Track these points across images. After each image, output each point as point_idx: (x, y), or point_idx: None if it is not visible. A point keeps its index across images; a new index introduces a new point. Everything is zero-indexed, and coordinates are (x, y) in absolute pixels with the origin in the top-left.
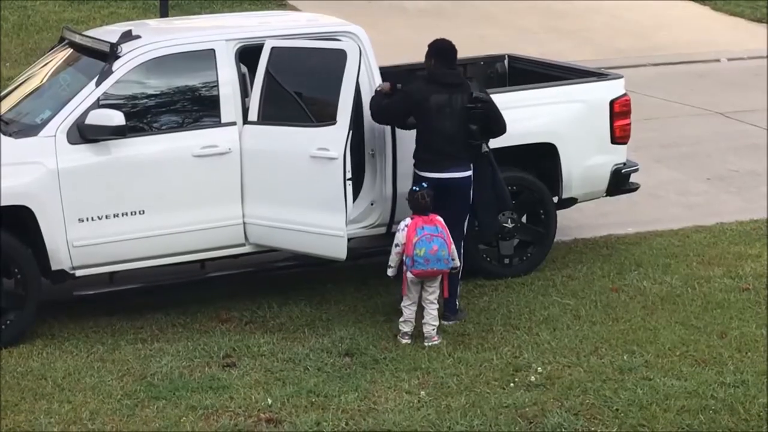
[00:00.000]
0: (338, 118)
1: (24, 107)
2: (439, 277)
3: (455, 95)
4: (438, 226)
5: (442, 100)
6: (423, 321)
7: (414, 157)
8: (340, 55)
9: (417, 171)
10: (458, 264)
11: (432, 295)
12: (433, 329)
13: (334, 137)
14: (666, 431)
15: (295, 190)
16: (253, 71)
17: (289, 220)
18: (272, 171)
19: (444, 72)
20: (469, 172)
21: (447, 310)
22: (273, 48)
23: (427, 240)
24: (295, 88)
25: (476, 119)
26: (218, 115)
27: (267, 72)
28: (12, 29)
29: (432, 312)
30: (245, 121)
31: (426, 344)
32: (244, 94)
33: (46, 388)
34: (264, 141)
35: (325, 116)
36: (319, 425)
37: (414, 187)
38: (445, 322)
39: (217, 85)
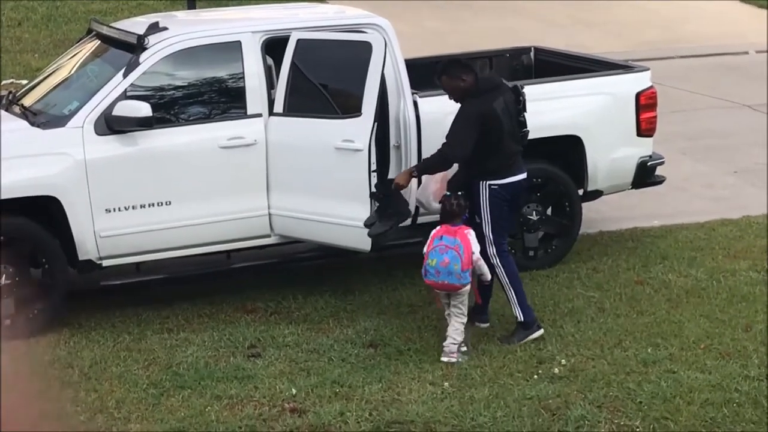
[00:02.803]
0: (363, 110)
1: (52, 98)
2: (464, 289)
3: (505, 95)
4: (458, 239)
5: (501, 104)
6: (446, 333)
7: (486, 169)
8: (366, 47)
9: (495, 181)
10: (487, 277)
11: (456, 307)
12: (455, 344)
13: (359, 129)
14: (690, 424)
15: (321, 181)
16: (279, 63)
17: (314, 211)
18: (297, 162)
19: (485, 78)
20: None
21: (476, 312)
22: (299, 40)
23: (440, 251)
24: (321, 80)
25: (523, 109)
26: (244, 107)
27: (293, 64)
28: (41, 20)
29: (455, 325)
30: (271, 113)
31: (443, 359)
32: (270, 85)
33: (73, 376)
34: (289, 133)
35: (350, 108)
36: (342, 415)
37: (447, 192)
38: (480, 325)
39: (243, 77)
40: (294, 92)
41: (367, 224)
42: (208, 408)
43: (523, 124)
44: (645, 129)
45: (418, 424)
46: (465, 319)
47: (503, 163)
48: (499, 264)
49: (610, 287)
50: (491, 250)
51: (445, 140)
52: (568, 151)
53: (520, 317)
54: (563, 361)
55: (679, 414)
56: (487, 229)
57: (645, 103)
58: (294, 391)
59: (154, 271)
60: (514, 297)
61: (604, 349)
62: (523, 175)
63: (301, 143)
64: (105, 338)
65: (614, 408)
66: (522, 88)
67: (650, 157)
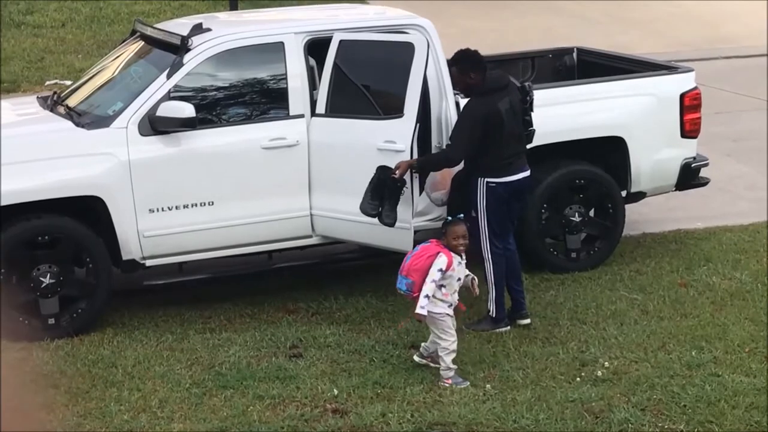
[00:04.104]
0: (405, 111)
1: (96, 99)
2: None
3: (511, 94)
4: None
5: (506, 104)
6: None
7: (484, 167)
8: (408, 48)
9: (493, 179)
10: (420, 314)
11: (435, 334)
12: (446, 370)
13: (402, 130)
14: (734, 428)
15: (362, 182)
16: (321, 64)
17: (357, 212)
18: (339, 163)
19: (493, 77)
20: None
21: (515, 309)
22: (341, 41)
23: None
24: (363, 81)
25: (529, 109)
26: (286, 108)
27: (335, 65)
28: (84, 21)
29: (440, 354)
30: (313, 114)
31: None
32: (312, 86)
33: (117, 375)
34: (331, 133)
35: (392, 109)
36: (384, 416)
37: (448, 218)
38: (521, 321)
39: (286, 78)
40: (336, 93)
41: (371, 213)
42: (250, 408)
43: (529, 123)
44: (689, 130)
45: (460, 426)
46: (449, 343)
47: (503, 162)
48: (490, 260)
49: (654, 290)
50: (485, 245)
51: (448, 140)
52: (611, 152)
53: (493, 313)
54: (606, 363)
55: (724, 418)
56: (483, 225)
57: (689, 104)
58: (336, 391)
59: (197, 271)
60: (494, 294)
61: (648, 352)
62: (524, 174)
63: (343, 144)
64: (148, 338)
65: (658, 411)
66: (530, 88)
67: (694, 158)
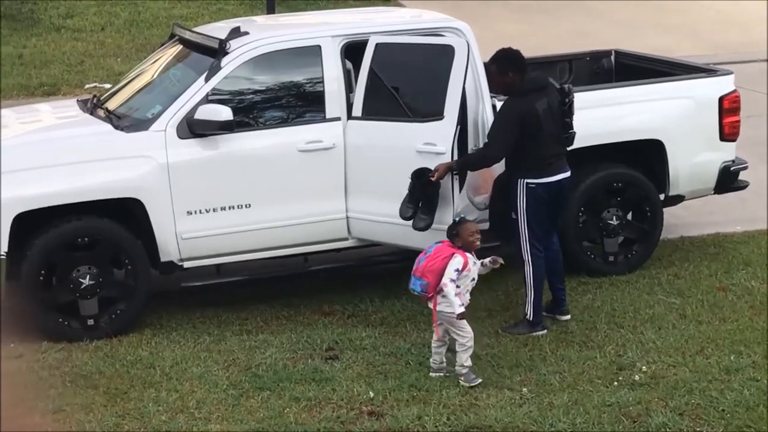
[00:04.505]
0: (446, 113)
1: (135, 102)
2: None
3: (550, 96)
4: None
5: (544, 104)
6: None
7: (524, 168)
8: (448, 51)
9: (532, 179)
10: (455, 311)
11: (456, 335)
12: (462, 368)
13: (442, 132)
14: None
15: (399, 184)
16: (357, 67)
17: (393, 214)
18: (376, 166)
19: (531, 78)
20: None
21: (556, 305)
22: (378, 44)
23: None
24: (400, 84)
25: (569, 112)
26: (323, 111)
27: (371, 68)
28: (123, 25)
29: (460, 354)
30: (350, 117)
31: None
32: (349, 89)
33: (155, 376)
34: (368, 136)
35: (431, 112)
36: (420, 419)
37: (455, 219)
38: (561, 317)
39: (323, 81)
40: (373, 96)
41: (406, 216)
42: (286, 410)
43: (569, 126)
44: (728, 133)
45: (497, 430)
46: (467, 339)
47: (542, 162)
48: (530, 262)
49: (692, 293)
50: (525, 246)
51: (485, 139)
52: (649, 155)
53: (530, 316)
54: (644, 368)
55: (762, 422)
56: (523, 227)
57: (728, 107)
58: (372, 394)
59: (234, 273)
60: (532, 297)
61: (686, 356)
62: (563, 176)
63: (381, 146)
64: (186, 339)
65: (696, 416)
66: (570, 90)
67: (733, 161)
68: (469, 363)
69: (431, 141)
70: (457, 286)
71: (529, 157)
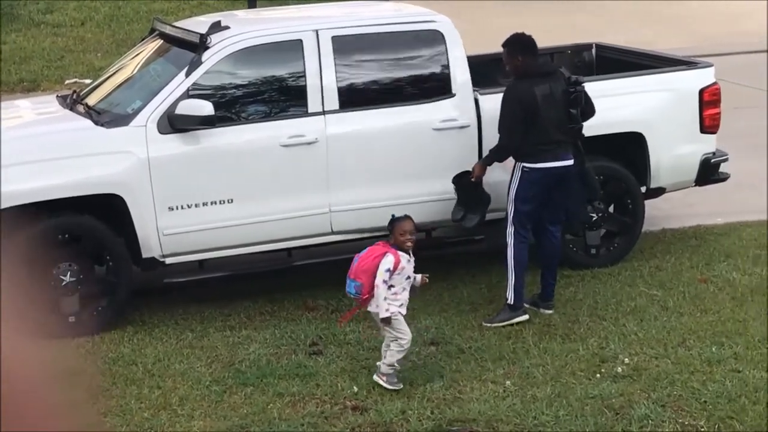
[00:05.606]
0: (455, 90)
1: (115, 97)
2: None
3: (554, 83)
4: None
5: (546, 89)
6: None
7: (520, 151)
8: (436, 35)
9: (529, 164)
10: (381, 314)
11: (388, 332)
12: (388, 366)
13: (459, 107)
14: (755, 424)
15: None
16: (340, 61)
17: (377, 198)
18: (360, 159)
19: (538, 63)
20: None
21: (542, 298)
22: (360, 35)
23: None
24: (383, 76)
25: (575, 103)
26: (305, 105)
27: (353, 60)
28: (103, 20)
29: (392, 350)
30: (332, 111)
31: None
32: (332, 83)
33: (137, 373)
34: (350, 129)
35: (437, 92)
36: (404, 413)
37: (393, 215)
38: (545, 311)
39: (305, 75)
40: (356, 89)
41: (457, 219)
42: (270, 405)
43: (575, 117)
44: (708, 126)
45: (480, 423)
46: (406, 341)
47: (539, 147)
48: (512, 245)
49: (674, 285)
50: (509, 229)
51: (497, 131)
52: (630, 148)
53: (511, 300)
54: (626, 360)
55: (745, 414)
56: (511, 209)
57: (709, 99)
58: (355, 388)
59: (217, 268)
60: (513, 281)
61: (668, 348)
62: (563, 163)
63: (388, 131)
64: (168, 335)
65: (678, 407)
66: (579, 82)
67: (714, 153)
68: (397, 366)
69: (450, 117)
70: (392, 286)
71: (526, 140)
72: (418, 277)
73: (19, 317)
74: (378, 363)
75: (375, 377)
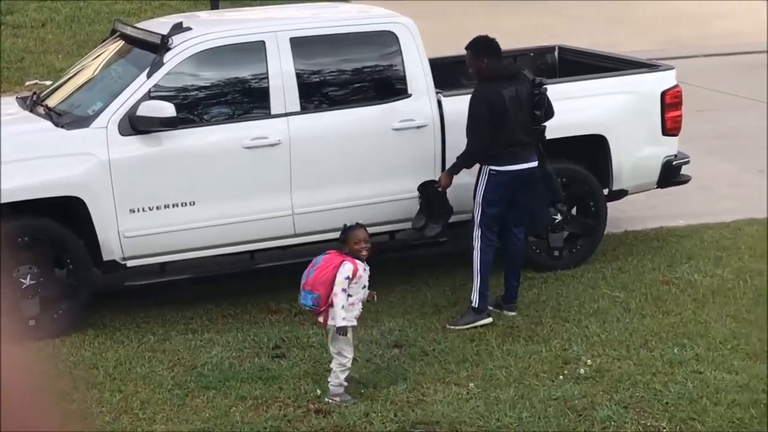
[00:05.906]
0: (411, 90)
1: (76, 99)
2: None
3: (519, 85)
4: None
5: (512, 92)
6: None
7: (488, 154)
8: (390, 36)
9: (495, 167)
10: (337, 323)
11: (332, 347)
12: (336, 386)
13: (416, 108)
14: (716, 425)
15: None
16: (303, 62)
17: (339, 199)
18: (322, 160)
19: (503, 65)
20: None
21: (505, 300)
22: (320, 36)
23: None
24: (345, 76)
25: (539, 104)
26: (268, 107)
27: (315, 62)
28: (64, 21)
29: (333, 368)
30: (294, 112)
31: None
32: (294, 85)
33: (98, 377)
34: (313, 131)
35: (393, 93)
36: (367, 416)
37: (346, 224)
38: (508, 313)
39: (267, 77)
40: (318, 90)
41: (418, 227)
42: (233, 409)
43: (539, 119)
44: (670, 128)
45: (444, 425)
46: (347, 360)
47: (506, 150)
48: (478, 248)
49: (636, 287)
50: (476, 232)
51: (466, 134)
52: (592, 150)
53: (476, 303)
54: (589, 361)
55: (706, 415)
56: (477, 212)
57: (670, 102)
58: (319, 391)
59: (179, 271)
60: (478, 284)
61: (630, 350)
62: (528, 165)
63: (342, 134)
64: (130, 339)
65: (641, 409)
66: (542, 84)
67: (675, 156)
68: (345, 383)
69: (408, 117)
70: (350, 296)
71: (493, 143)
72: (367, 291)
73: None
74: (328, 383)
75: (327, 399)
